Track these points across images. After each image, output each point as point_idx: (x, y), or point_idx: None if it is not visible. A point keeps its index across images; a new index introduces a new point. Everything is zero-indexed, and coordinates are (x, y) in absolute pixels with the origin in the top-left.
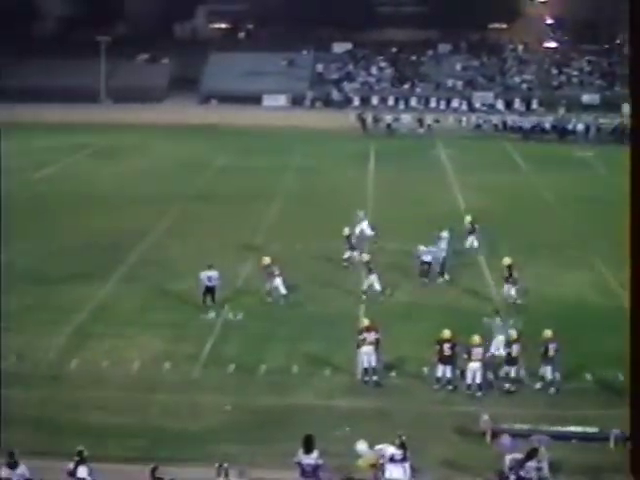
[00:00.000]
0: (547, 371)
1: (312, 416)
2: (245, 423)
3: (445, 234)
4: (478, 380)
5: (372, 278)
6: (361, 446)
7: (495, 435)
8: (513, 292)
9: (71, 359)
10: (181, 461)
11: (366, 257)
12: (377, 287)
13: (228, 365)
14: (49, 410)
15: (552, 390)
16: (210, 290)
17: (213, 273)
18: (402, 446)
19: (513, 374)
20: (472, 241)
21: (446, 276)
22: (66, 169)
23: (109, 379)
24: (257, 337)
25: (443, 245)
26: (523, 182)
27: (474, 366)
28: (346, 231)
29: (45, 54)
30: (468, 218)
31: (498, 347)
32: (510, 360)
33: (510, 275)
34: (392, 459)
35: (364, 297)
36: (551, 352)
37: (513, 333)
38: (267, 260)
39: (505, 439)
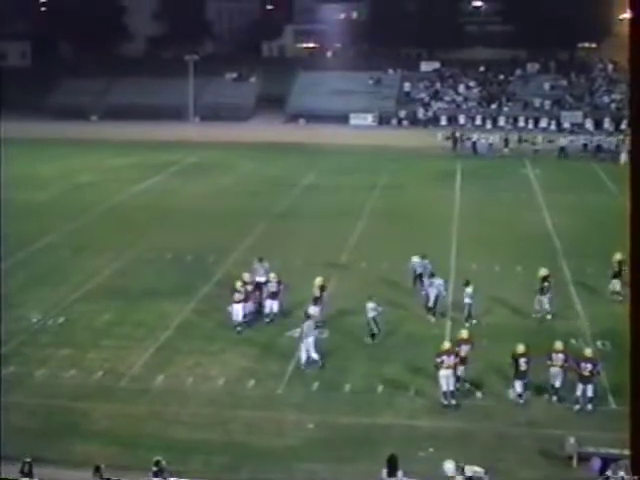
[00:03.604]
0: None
1: (395, 436)
2: (328, 441)
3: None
4: (558, 384)
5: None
6: (448, 465)
7: (582, 459)
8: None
9: (156, 374)
10: (264, 478)
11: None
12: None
13: (312, 383)
14: (133, 424)
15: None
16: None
17: (374, 304)
18: (462, 471)
19: (589, 393)
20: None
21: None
22: (153, 186)
23: (193, 395)
24: (341, 356)
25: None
26: (611, 204)
27: (555, 371)
28: (246, 277)
29: (135, 73)
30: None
31: None
32: (583, 378)
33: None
34: None
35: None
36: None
37: (588, 351)
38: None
39: (595, 462)
